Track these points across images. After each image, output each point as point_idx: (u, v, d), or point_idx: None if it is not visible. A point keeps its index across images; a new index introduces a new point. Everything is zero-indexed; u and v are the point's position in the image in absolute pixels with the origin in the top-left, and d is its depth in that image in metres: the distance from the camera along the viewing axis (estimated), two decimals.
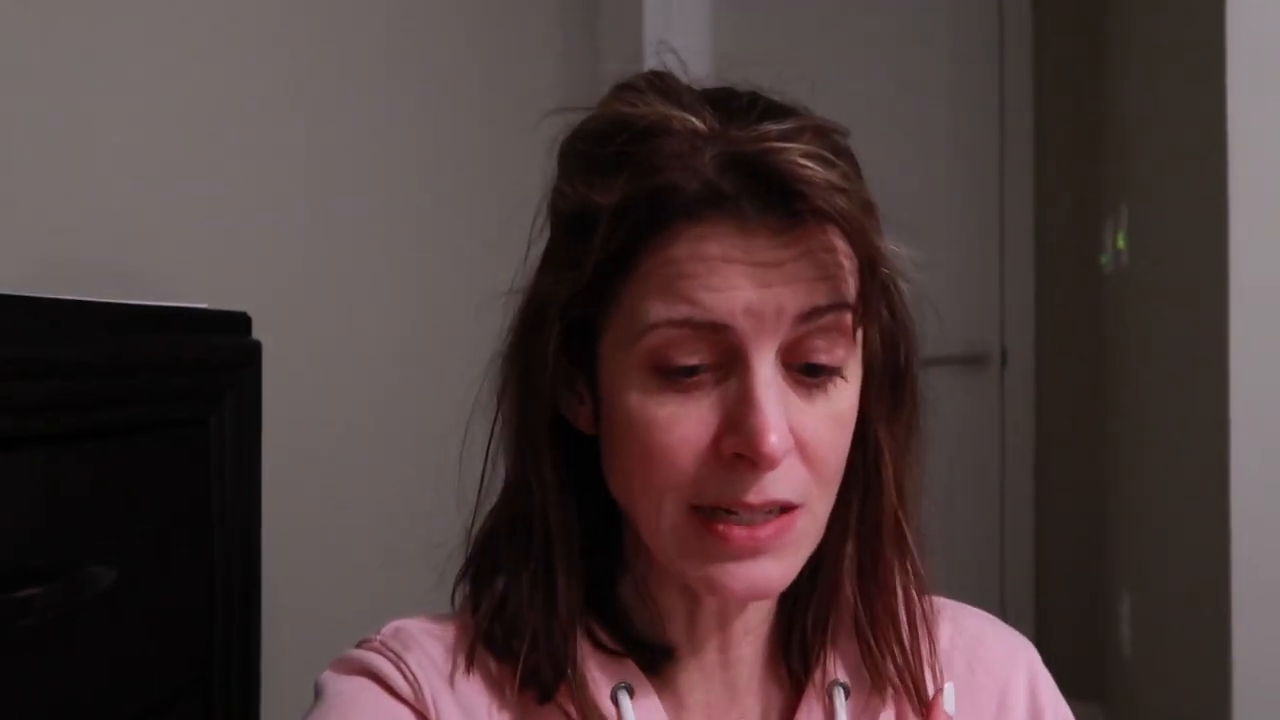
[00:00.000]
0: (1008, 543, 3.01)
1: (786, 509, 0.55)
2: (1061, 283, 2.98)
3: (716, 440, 0.54)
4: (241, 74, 1.21)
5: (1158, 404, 2.12)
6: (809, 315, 0.53)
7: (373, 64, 1.46)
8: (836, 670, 0.63)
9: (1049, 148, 2.99)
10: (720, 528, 0.54)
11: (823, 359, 0.55)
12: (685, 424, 0.54)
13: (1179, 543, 1.91)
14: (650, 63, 0.60)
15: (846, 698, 0.62)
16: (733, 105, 0.56)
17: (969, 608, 0.70)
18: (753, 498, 0.53)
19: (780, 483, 0.54)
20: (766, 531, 0.54)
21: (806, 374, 0.55)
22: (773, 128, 0.53)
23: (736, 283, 0.52)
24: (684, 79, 0.58)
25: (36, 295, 0.81)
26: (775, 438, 0.52)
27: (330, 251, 1.35)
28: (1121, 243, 2.44)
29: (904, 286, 0.59)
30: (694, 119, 0.54)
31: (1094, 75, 2.85)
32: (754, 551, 0.54)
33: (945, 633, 0.66)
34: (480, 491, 0.63)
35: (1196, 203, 1.74)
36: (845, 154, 0.56)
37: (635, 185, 0.54)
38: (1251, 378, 1.55)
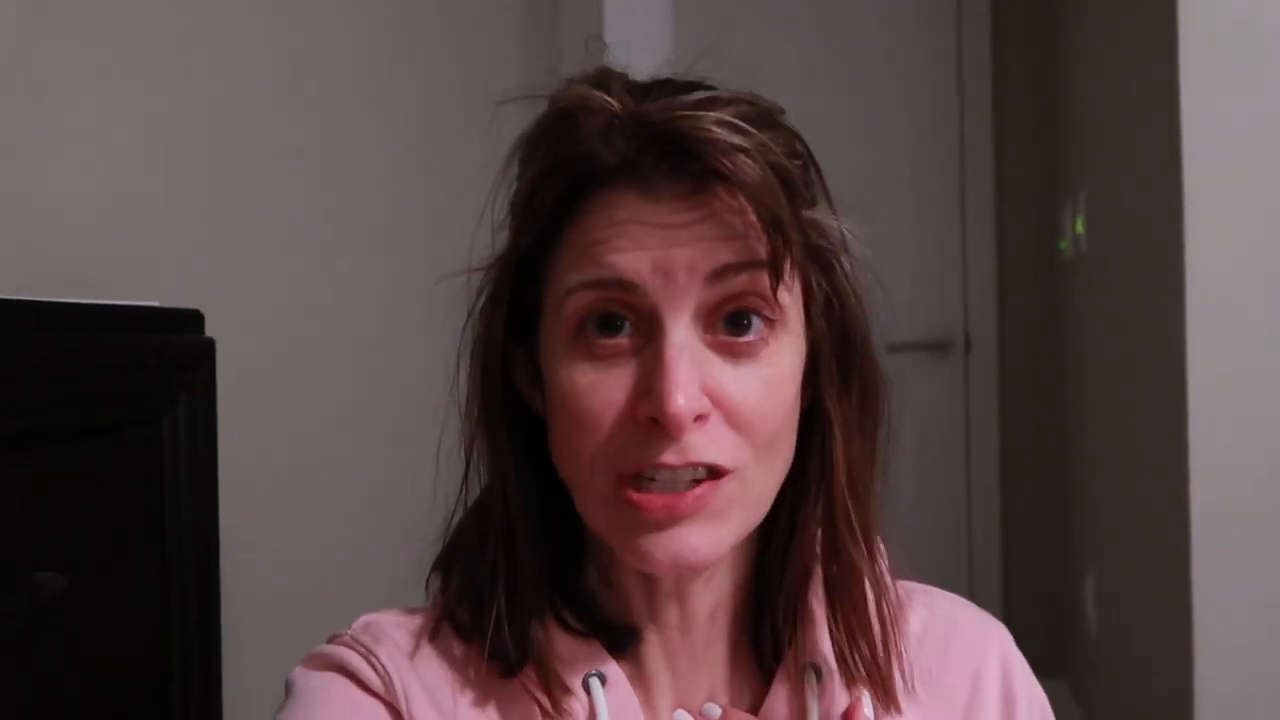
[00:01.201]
0: (974, 526, 3.04)
1: (715, 475, 0.54)
2: (1023, 268, 3.00)
3: (633, 405, 0.54)
4: (194, 74, 1.19)
5: (1118, 387, 2.15)
6: (720, 273, 0.54)
7: (329, 65, 1.45)
8: (810, 653, 0.62)
9: (1009, 134, 3.02)
10: (637, 496, 0.54)
11: (745, 327, 0.55)
12: (604, 389, 0.54)
13: (1141, 524, 1.94)
14: (596, 58, 0.61)
15: (818, 679, 0.62)
16: (658, 88, 0.57)
17: (941, 591, 0.70)
18: (671, 458, 0.53)
19: (703, 446, 0.54)
20: (687, 500, 0.54)
21: (731, 332, 0.55)
22: (685, 99, 0.55)
23: (644, 243, 0.53)
24: (620, 71, 0.59)
25: None
26: (682, 399, 0.52)
27: (283, 246, 1.33)
28: (1080, 228, 2.46)
29: (847, 263, 0.59)
30: (612, 99, 0.55)
31: (1052, 61, 2.87)
32: (673, 520, 0.54)
33: (918, 615, 0.66)
34: (464, 484, 0.62)
35: (1152, 187, 1.76)
36: (771, 126, 0.56)
37: (551, 159, 0.56)
38: (1209, 361, 1.57)
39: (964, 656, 0.66)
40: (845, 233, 0.59)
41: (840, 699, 0.62)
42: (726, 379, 0.54)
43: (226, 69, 1.25)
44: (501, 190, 0.61)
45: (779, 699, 0.62)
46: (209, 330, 1.00)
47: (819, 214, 0.58)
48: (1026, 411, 3.00)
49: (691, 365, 0.53)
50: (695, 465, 0.54)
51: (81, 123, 1.04)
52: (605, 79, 0.58)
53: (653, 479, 0.54)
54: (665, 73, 0.59)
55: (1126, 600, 2.12)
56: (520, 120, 0.59)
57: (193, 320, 0.99)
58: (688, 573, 0.58)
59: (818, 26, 2.98)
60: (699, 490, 0.54)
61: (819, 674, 0.62)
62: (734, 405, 0.54)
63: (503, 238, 0.61)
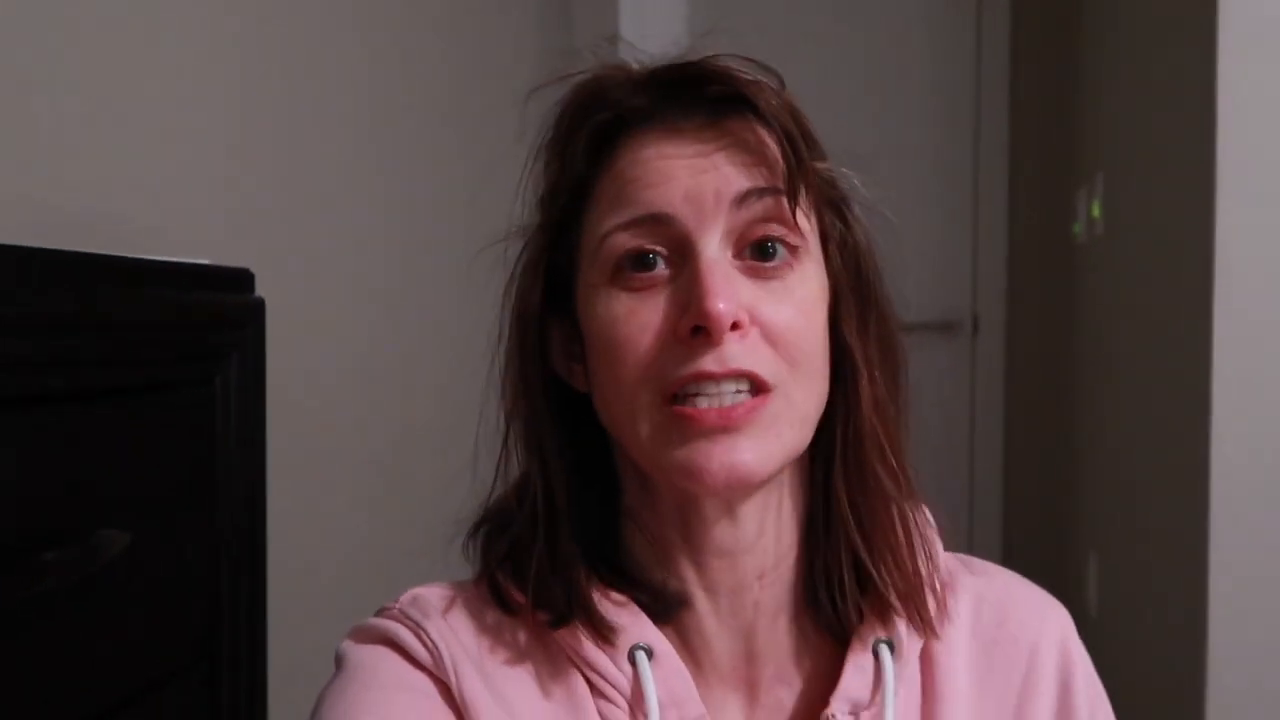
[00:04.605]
0: (976, 506, 3.06)
1: (758, 390, 0.56)
2: (1034, 251, 3.01)
3: (673, 323, 0.56)
4: (243, 35, 1.19)
5: (1133, 370, 2.15)
6: (745, 197, 0.57)
7: (370, 36, 1.47)
8: (875, 625, 0.62)
9: (1024, 116, 3.01)
10: (690, 410, 0.55)
11: (772, 249, 0.57)
12: (643, 313, 0.56)
13: (1153, 506, 1.95)
14: (619, 53, 0.64)
15: (892, 653, 0.62)
16: (670, 60, 0.60)
17: (998, 566, 0.70)
18: (713, 366, 0.55)
19: (743, 355, 0.55)
20: (738, 410, 0.55)
21: (759, 257, 0.57)
22: (696, 55, 0.59)
23: (673, 174, 0.57)
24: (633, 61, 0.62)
25: (36, 247, 0.77)
26: (722, 303, 0.54)
27: (332, 207, 1.33)
28: (1096, 212, 2.46)
29: (858, 210, 0.62)
30: (632, 65, 0.60)
31: (1071, 43, 2.86)
32: (726, 429, 0.55)
33: (974, 584, 0.66)
34: (502, 457, 0.63)
35: (1181, 174, 1.75)
36: (777, 81, 0.60)
37: (577, 119, 0.60)
38: (1234, 344, 1.58)
39: (1021, 630, 0.66)
40: (855, 184, 0.62)
41: (909, 666, 0.62)
42: (758, 298, 0.57)
43: (277, 39, 1.24)
44: (532, 171, 0.63)
45: (855, 673, 0.61)
46: (258, 290, 0.99)
47: (824, 165, 0.61)
48: (1032, 392, 3.02)
49: (726, 278, 0.56)
50: (737, 374, 0.55)
51: (135, 82, 1.03)
52: (623, 62, 0.61)
53: (698, 394, 0.55)
54: (676, 54, 0.62)
55: (1132, 582, 2.13)
56: (549, 101, 0.62)
57: (243, 279, 0.97)
58: (740, 487, 0.57)
59: (834, 5, 2.96)
60: (747, 404, 0.55)
61: (892, 647, 0.62)
62: (768, 320, 0.57)
63: (534, 216, 0.63)
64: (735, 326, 0.55)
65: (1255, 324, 1.58)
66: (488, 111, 1.58)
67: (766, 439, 0.56)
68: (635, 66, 0.60)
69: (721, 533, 0.60)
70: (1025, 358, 3.03)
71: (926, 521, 0.66)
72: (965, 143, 3.05)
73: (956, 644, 0.64)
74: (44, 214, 0.91)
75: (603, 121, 0.59)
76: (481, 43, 1.80)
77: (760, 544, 0.61)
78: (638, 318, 0.56)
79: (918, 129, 3.01)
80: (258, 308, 0.97)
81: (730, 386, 0.55)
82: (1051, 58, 2.95)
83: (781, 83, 0.61)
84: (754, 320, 0.56)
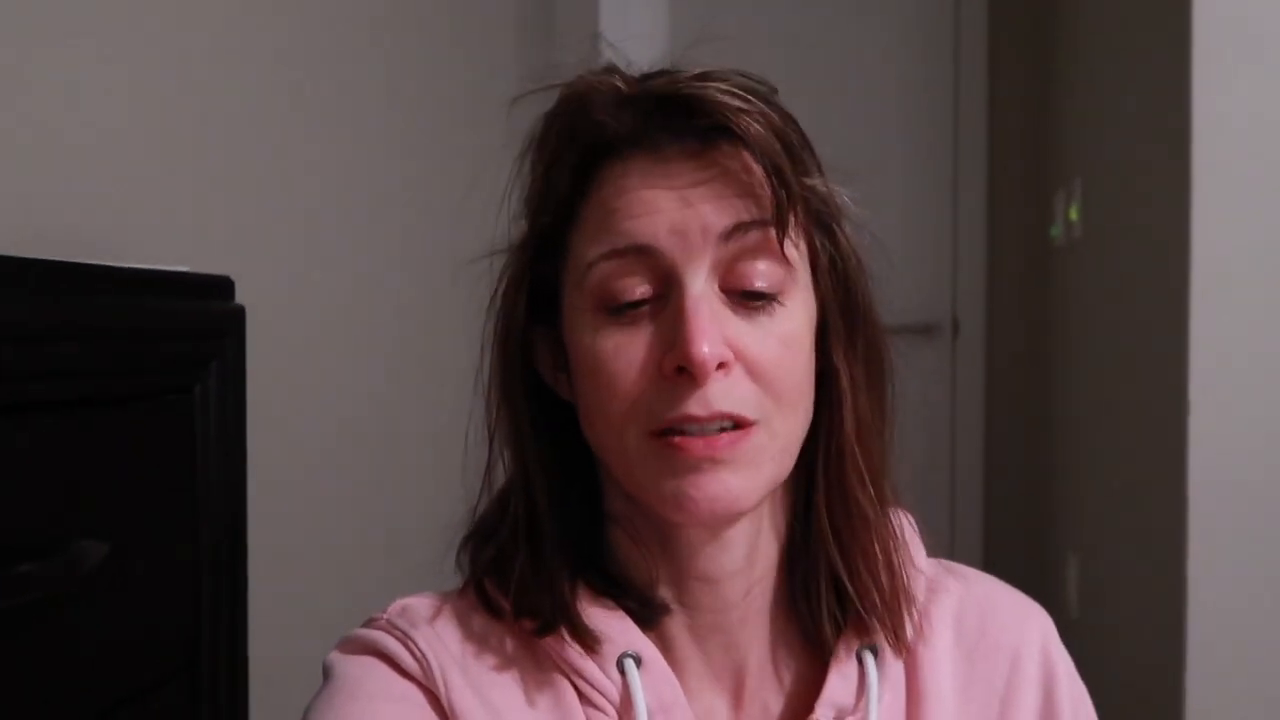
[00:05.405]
0: (957, 507, 3.08)
1: (741, 425, 0.56)
2: (1013, 254, 3.03)
3: (658, 359, 0.56)
4: (223, 39, 1.19)
5: (1112, 372, 2.17)
6: (733, 231, 0.56)
7: (351, 41, 1.47)
8: (863, 634, 0.63)
9: (1003, 119, 3.03)
10: (677, 440, 0.55)
11: (759, 284, 0.57)
12: (630, 350, 0.56)
13: (1132, 507, 1.97)
14: (599, 55, 0.63)
15: (876, 660, 0.62)
16: (660, 73, 0.59)
17: (979, 571, 0.71)
18: (698, 409, 0.55)
19: (727, 396, 0.55)
20: (722, 441, 0.55)
21: (745, 299, 0.57)
22: (686, 74, 0.58)
23: (658, 206, 0.56)
24: (624, 65, 0.61)
25: (15, 256, 0.77)
26: (705, 345, 0.54)
27: (312, 214, 1.33)
28: (1074, 215, 2.48)
29: (848, 229, 0.62)
30: (619, 81, 0.59)
31: (1049, 47, 2.88)
32: (711, 460, 0.55)
33: (955, 592, 0.67)
34: (488, 469, 0.63)
35: (1159, 175, 1.77)
36: (767, 100, 0.59)
37: (563, 138, 0.59)
38: (1213, 347, 1.60)
39: (1003, 634, 0.66)
40: (845, 201, 0.62)
41: (892, 673, 0.63)
42: (744, 334, 0.57)
43: (256, 42, 1.24)
44: (517, 180, 0.63)
45: (839, 682, 0.62)
46: (239, 297, 0.99)
47: (817, 182, 0.61)
48: (1011, 394, 3.04)
49: (712, 315, 0.55)
50: (721, 416, 0.55)
51: (114, 88, 1.03)
52: (611, 70, 0.60)
53: (683, 432, 0.55)
54: (664, 63, 0.61)
55: (1112, 583, 2.15)
56: (534, 108, 0.61)
57: (223, 287, 0.97)
58: (725, 518, 0.58)
59: (812, 8, 2.98)
60: (730, 436, 0.56)
61: (876, 652, 0.62)
62: (753, 358, 0.56)
63: (519, 227, 0.63)
64: (720, 366, 0.55)
65: (1232, 326, 1.60)
66: (470, 114, 1.59)
67: (751, 472, 0.57)
68: (621, 85, 0.59)
69: (705, 560, 0.61)
70: (1005, 360, 3.05)
71: (909, 528, 0.66)
72: (944, 145, 3.07)
73: (940, 649, 0.65)
74: (21, 223, 0.91)
75: (588, 144, 0.58)
76: (463, 43, 1.80)
77: (746, 567, 0.62)
78: (625, 353, 0.56)
79: (897, 132, 3.03)
80: (238, 316, 0.96)
81: (714, 427, 0.56)
82: (1029, 61, 2.97)
83: (774, 93, 0.60)
84: (738, 356, 0.56)
